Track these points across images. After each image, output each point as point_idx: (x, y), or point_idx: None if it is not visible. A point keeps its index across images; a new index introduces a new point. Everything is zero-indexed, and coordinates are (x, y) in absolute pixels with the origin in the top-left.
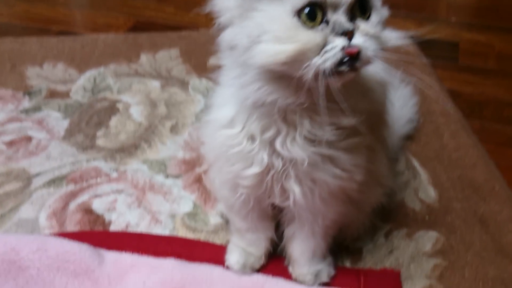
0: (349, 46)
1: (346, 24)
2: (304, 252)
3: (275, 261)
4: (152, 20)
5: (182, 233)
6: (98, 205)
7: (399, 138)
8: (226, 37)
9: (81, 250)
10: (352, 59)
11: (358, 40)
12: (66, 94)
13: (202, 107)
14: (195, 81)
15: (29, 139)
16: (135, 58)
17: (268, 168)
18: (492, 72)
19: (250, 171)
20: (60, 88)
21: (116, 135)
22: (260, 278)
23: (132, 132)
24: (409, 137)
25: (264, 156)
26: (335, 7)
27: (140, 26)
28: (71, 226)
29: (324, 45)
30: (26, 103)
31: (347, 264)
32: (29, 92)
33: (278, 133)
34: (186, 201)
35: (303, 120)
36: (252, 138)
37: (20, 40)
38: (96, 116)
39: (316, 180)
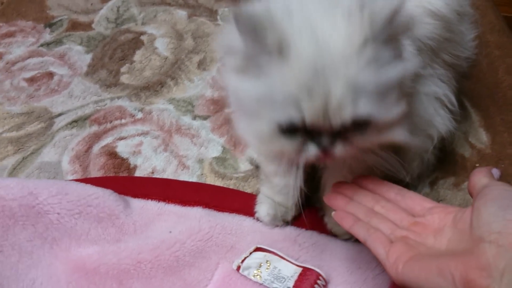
0: (324, 154)
1: (324, 142)
2: (329, 179)
3: (309, 213)
4: None
5: (211, 179)
6: (122, 148)
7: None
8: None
9: (105, 194)
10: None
11: (336, 150)
12: (88, 26)
13: None
14: (224, 10)
15: (50, 75)
16: None
17: None
18: None
19: None
20: (82, 19)
21: (141, 71)
22: (293, 231)
23: (157, 68)
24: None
25: None
26: (319, 129)
27: None
28: (95, 170)
29: (300, 150)
30: (47, 36)
31: None
32: (50, 24)
33: None
34: (214, 145)
35: None
36: None
37: None
38: (120, 50)
39: None
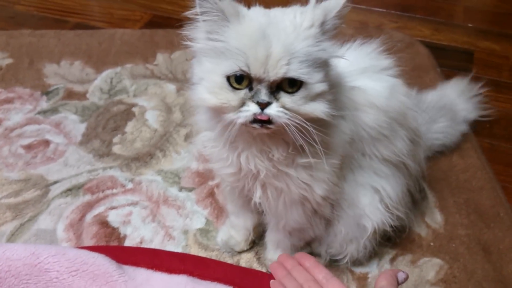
0: (260, 113)
1: (263, 96)
2: (270, 240)
3: None
4: (168, 15)
5: (195, 250)
6: (113, 218)
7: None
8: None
9: (99, 255)
10: (264, 121)
11: (271, 110)
12: (83, 95)
13: None
14: None
15: (47, 143)
16: (151, 57)
17: (240, 170)
18: (505, 85)
19: (227, 170)
20: (78, 88)
21: (132, 142)
22: None
23: (147, 140)
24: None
25: (234, 160)
26: (260, 81)
27: (156, 21)
28: (88, 239)
29: (242, 105)
30: (44, 103)
31: None
32: (47, 92)
33: (238, 146)
34: (198, 217)
35: (251, 143)
36: (224, 144)
37: (38, 33)
38: (113, 121)
39: (276, 188)
